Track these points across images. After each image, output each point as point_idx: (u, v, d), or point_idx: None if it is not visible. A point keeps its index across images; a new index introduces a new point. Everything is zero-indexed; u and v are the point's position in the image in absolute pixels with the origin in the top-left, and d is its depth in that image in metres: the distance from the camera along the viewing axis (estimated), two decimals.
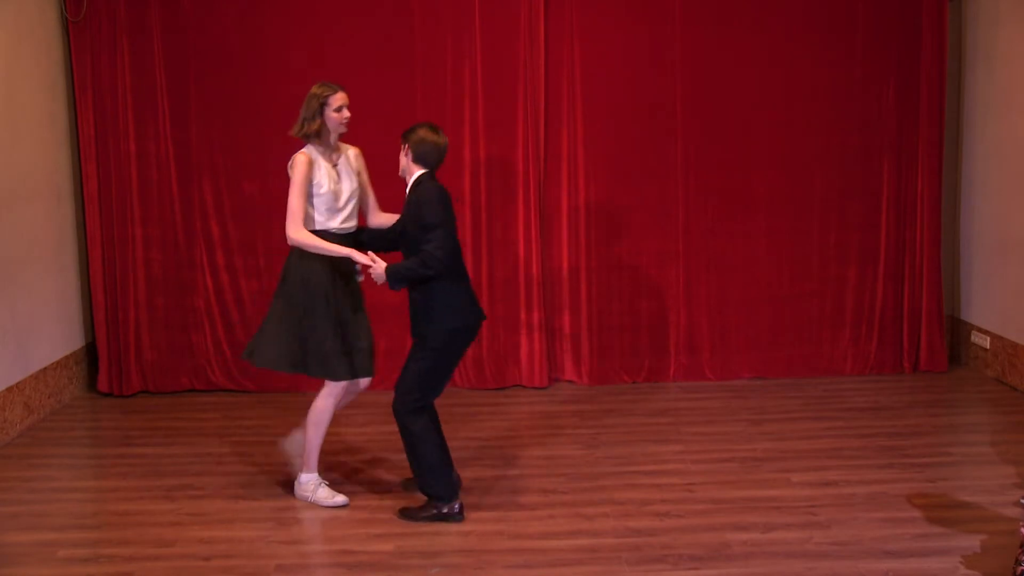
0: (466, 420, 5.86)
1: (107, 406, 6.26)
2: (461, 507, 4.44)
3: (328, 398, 4.61)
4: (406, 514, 4.48)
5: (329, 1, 6.30)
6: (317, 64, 6.30)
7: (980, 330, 6.59)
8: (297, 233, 4.49)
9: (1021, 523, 3.78)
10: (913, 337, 6.66)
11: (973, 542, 4.05)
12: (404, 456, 5.21)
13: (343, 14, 6.31)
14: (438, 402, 4.61)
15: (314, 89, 4.61)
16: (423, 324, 4.43)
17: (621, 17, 6.40)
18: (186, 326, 6.48)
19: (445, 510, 4.41)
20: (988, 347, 6.48)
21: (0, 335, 5.49)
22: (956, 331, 6.87)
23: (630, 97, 6.44)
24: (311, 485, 4.64)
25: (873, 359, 6.67)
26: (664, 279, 6.55)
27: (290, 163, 4.58)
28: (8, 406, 5.53)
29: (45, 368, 5.97)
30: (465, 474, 4.96)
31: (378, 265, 4.38)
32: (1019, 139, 6.10)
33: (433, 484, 4.44)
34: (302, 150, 4.58)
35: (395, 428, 5.76)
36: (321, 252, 4.49)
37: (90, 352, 6.55)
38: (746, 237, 6.56)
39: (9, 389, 5.55)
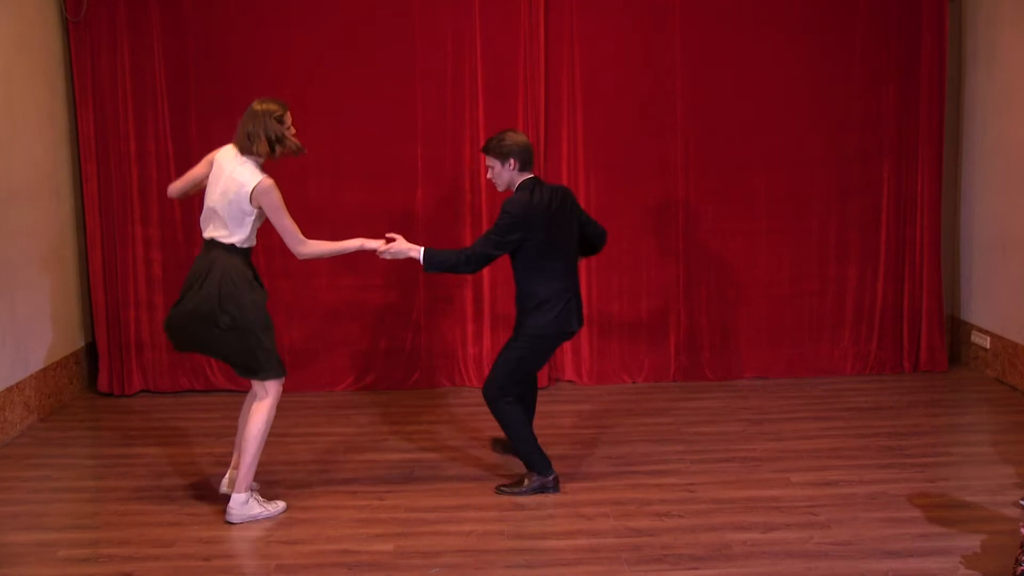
0: (466, 420, 5.86)
1: (107, 406, 6.26)
2: (557, 479, 4.70)
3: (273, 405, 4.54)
4: (505, 490, 4.70)
5: (329, 2, 6.30)
6: (316, 64, 6.31)
7: (980, 330, 6.59)
8: (306, 247, 4.45)
9: (1021, 523, 3.78)
10: (913, 337, 6.66)
11: (973, 542, 4.05)
12: (404, 456, 5.24)
13: (343, 15, 6.31)
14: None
15: (265, 105, 4.39)
16: (522, 316, 4.67)
17: (621, 17, 6.40)
18: None
19: (547, 477, 4.67)
20: (988, 347, 6.48)
21: (0, 335, 5.49)
22: (956, 331, 6.87)
23: (630, 97, 6.45)
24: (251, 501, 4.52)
25: (873, 359, 6.67)
26: (664, 279, 6.55)
27: (259, 189, 4.29)
28: (8, 406, 5.53)
29: (45, 368, 5.97)
30: (465, 474, 4.97)
31: (398, 245, 4.55)
32: (1019, 139, 6.10)
33: (530, 459, 4.68)
34: (264, 174, 4.35)
35: (393, 428, 5.78)
36: (338, 253, 4.58)
37: (90, 352, 6.55)
38: (746, 237, 6.56)
39: (9, 389, 5.55)
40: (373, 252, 4.59)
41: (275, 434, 5.60)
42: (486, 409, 6.03)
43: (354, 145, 6.38)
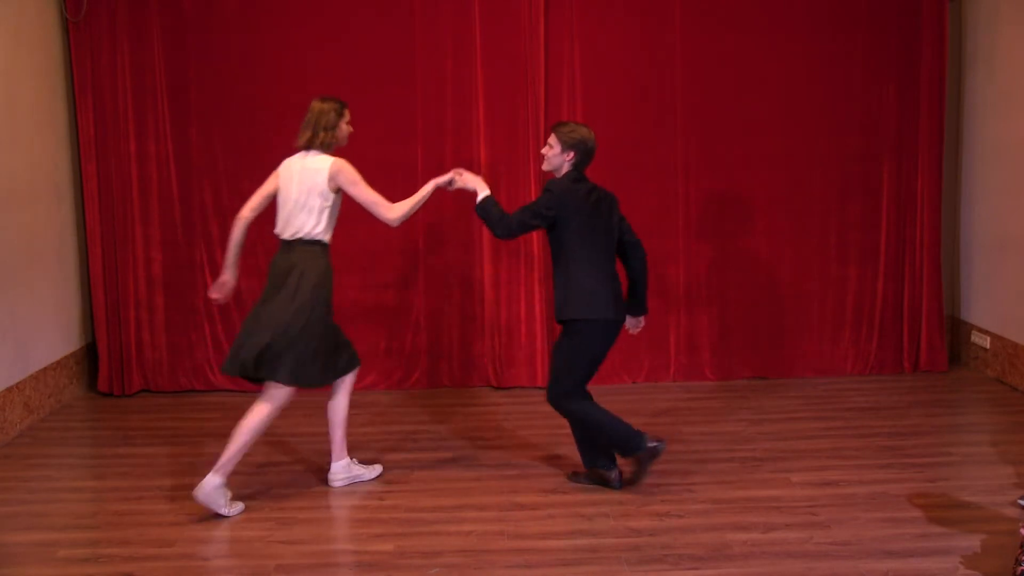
0: (467, 420, 5.86)
1: (107, 406, 6.26)
2: (656, 441, 4.60)
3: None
4: (629, 481, 4.68)
5: (329, 1, 6.31)
6: (317, 64, 6.31)
7: (980, 330, 6.59)
8: (396, 212, 4.59)
9: (1021, 523, 3.78)
10: (913, 337, 6.66)
11: (973, 542, 4.04)
12: (404, 456, 5.24)
13: (343, 15, 6.31)
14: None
15: (327, 103, 4.61)
16: (566, 306, 4.59)
17: (621, 17, 6.40)
18: (186, 326, 6.48)
19: (645, 450, 4.58)
20: (988, 347, 6.48)
21: (0, 335, 5.49)
22: (956, 331, 6.87)
23: (630, 97, 6.45)
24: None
25: (873, 359, 6.67)
26: (664, 279, 6.54)
27: (334, 168, 4.50)
28: (8, 406, 5.53)
29: (45, 368, 5.97)
30: (465, 474, 4.96)
31: (467, 176, 4.71)
32: (1019, 139, 6.10)
33: (621, 441, 4.58)
34: (334, 157, 4.56)
35: (393, 428, 5.78)
36: (421, 203, 4.69)
37: (90, 352, 6.55)
38: (746, 237, 6.56)
39: (9, 389, 5.55)
40: (441, 189, 4.75)
41: (275, 434, 5.61)
42: (487, 409, 6.07)
43: (354, 144, 6.33)
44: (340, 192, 4.56)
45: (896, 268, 6.64)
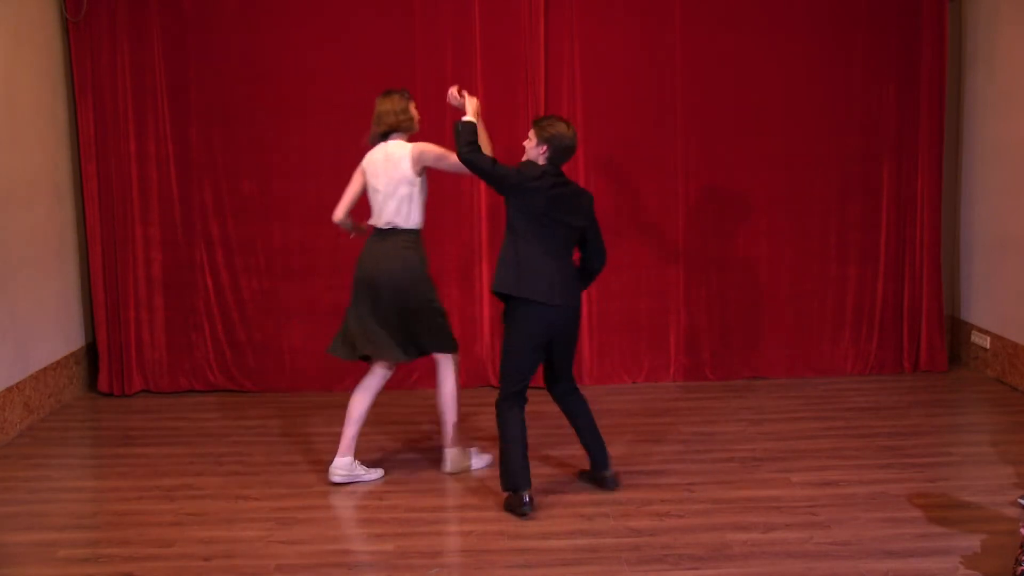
0: (466, 420, 5.85)
1: (107, 406, 6.26)
2: (528, 502, 4.46)
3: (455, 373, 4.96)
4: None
5: (329, 1, 6.31)
6: (317, 64, 6.31)
7: (980, 330, 6.59)
8: (470, 161, 4.59)
9: (1021, 523, 3.78)
10: (913, 337, 6.66)
11: (973, 542, 4.05)
12: (404, 456, 5.24)
13: (343, 14, 6.31)
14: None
15: (391, 93, 4.81)
16: (495, 282, 4.59)
17: (621, 17, 6.40)
18: (186, 326, 6.48)
19: (516, 498, 4.48)
20: (988, 347, 6.48)
21: (0, 335, 5.49)
22: (956, 331, 6.87)
23: (630, 97, 6.45)
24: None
25: (873, 359, 6.67)
26: (664, 279, 6.55)
27: (415, 150, 4.68)
28: (8, 406, 5.53)
29: (45, 368, 5.97)
30: (465, 474, 4.96)
31: (474, 101, 4.71)
32: (1019, 139, 6.10)
33: (507, 474, 4.50)
34: (412, 142, 4.75)
35: (394, 428, 5.78)
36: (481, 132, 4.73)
37: (90, 352, 6.55)
38: (746, 237, 6.56)
39: (9, 389, 5.55)
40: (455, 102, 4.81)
41: (275, 434, 5.62)
42: (486, 409, 6.05)
43: (355, 145, 6.36)
44: (424, 174, 4.73)
45: (896, 268, 6.64)
